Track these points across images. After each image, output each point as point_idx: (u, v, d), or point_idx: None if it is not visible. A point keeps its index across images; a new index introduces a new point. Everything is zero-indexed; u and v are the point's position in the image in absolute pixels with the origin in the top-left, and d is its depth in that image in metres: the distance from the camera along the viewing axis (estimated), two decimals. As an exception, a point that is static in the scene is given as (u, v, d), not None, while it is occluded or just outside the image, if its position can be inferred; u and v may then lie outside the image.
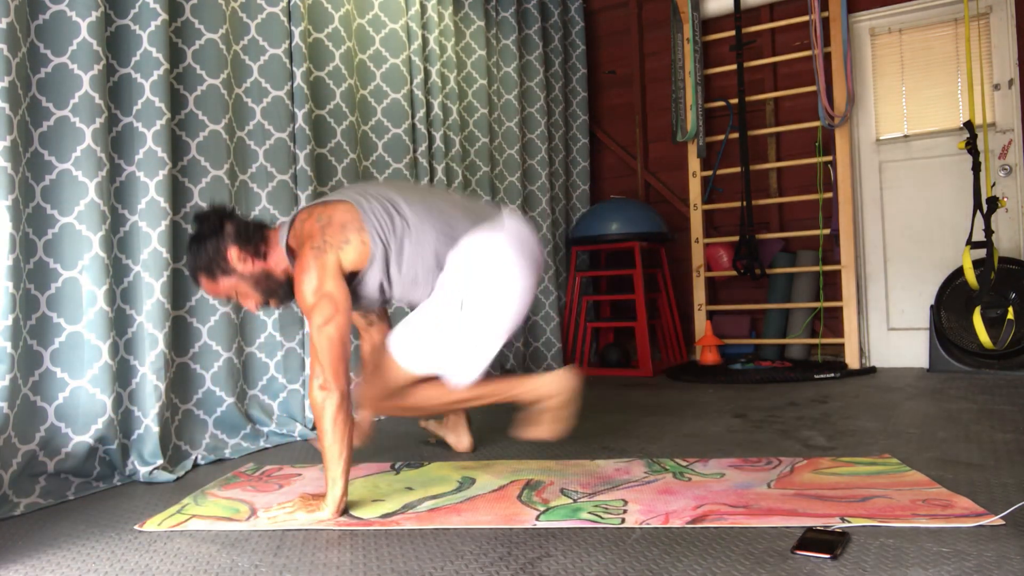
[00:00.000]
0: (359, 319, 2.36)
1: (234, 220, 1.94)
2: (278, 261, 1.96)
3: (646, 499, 1.78)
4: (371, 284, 1.98)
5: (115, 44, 2.31)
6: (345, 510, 1.76)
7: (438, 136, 3.54)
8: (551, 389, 2.09)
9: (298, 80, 2.85)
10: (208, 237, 1.90)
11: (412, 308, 2.08)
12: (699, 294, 4.39)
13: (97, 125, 2.15)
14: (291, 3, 2.84)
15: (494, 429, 2.77)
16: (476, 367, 2.02)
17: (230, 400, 2.57)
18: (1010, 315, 3.39)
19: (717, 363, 4.16)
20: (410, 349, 2.00)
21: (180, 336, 2.48)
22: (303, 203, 2.85)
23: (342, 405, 1.75)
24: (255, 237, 1.93)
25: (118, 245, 2.30)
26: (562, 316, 4.43)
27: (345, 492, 1.75)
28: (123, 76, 2.33)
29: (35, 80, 2.08)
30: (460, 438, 2.43)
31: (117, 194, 2.31)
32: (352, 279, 1.94)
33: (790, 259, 4.25)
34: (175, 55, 2.48)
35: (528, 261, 2.03)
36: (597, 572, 1.36)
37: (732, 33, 4.30)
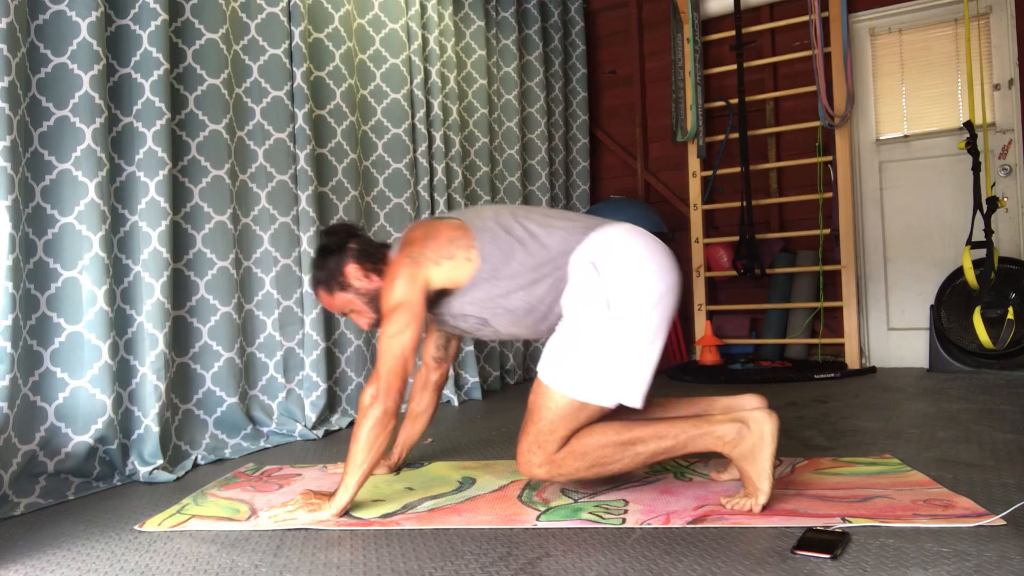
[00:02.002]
0: (431, 349, 2.17)
1: (359, 238, 1.95)
2: None
3: (647, 499, 1.78)
4: (466, 303, 1.84)
5: (115, 44, 2.31)
6: (345, 512, 1.76)
7: (438, 136, 3.54)
8: (750, 433, 1.67)
9: (298, 80, 2.85)
10: (332, 252, 1.91)
11: (516, 340, 1.97)
12: (699, 294, 4.39)
13: (97, 125, 2.15)
14: (291, 3, 2.84)
15: (494, 429, 2.77)
16: (642, 375, 1.72)
17: (230, 400, 2.57)
18: (1010, 315, 3.39)
19: (717, 363, 4.15)
20: (563, 368, 1.72)
21: (180, 336, 2.48)
22: (303, 203, 2.85)
23: (384, 421, 1.71)
24: (375, 255, 1.92)
25: (118, 245, 2.30)
26: (562, 316, 4.42)
27: (352, 500, 1.74)
28: (123, 76, 2.33)
29: (35, 80, 2.08)
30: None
31: (117, 194, 2.31)
32: (444, 295, 1.86)
33: (790, 259, 4.25)
34: (175, 55, 2.48)
35: (663, 253, 1.80)
36: (597, 572, 1.36)
37: (732, 33, 4.30)
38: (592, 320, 1.71)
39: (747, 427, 1.67)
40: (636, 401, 1.73)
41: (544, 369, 1.75)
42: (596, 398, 1.71)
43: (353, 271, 1.90)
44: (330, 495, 1.75)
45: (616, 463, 1.72)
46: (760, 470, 1.64)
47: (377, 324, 1.89)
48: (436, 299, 1.86)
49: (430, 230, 1.86)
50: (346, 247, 1.91)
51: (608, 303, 1.71)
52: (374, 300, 1.90)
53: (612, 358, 1.70)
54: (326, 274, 1.92)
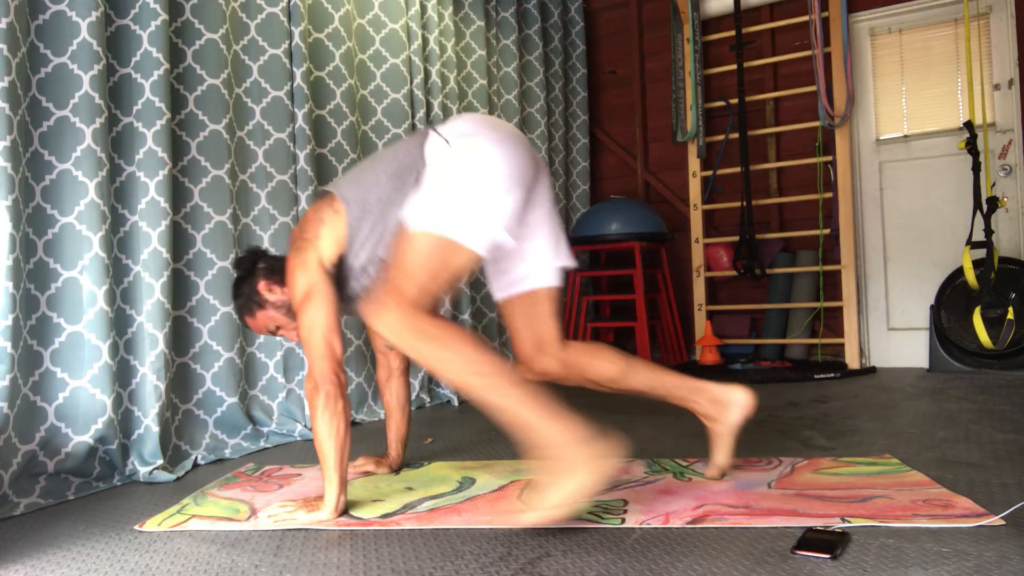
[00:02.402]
0: (378, 340, 2.19)
1: (267, 258, 1.98)
2: None
3: (646, 499, 1.78)
4: (359, 253, 1.81)
5: (115, 44, 2.31)
6: (345, 510, 1.76)
7: (438, 136, 3.53)
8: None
9: (298, 80, 2.85)
10: (244, 279, 1.95)
11: None
12: (699, 294, 4.39)
13: (97, 125, 2.15)
14: (291, 3, 2.85)
15: (494, 429, 2.77)
16: (497, 218, 1.68)
17: (230, 400, 2.57)
18: (1010, 315, 3.39)
19: (717, 363, 4.15)
20: (421, 213, 1.70)
21: (180, 336, 2.48)
22: (303, 203, 2.85)
23: (330, 403, 1.71)
24: (281, 266, 1.92)
25: (118, 245, 2.30)
26: (562, 316, 4.43)
27: (342, 491, 1.73)
28: (123, 76, 2.33)
29: (35, 80, 2.08)
30: (714, 456, 1.95)
31: (117, 194, 2.31)
32: (342, 264, 1.84)
33: (790, 259, 4.26)
34: (175, 55, 2.48)
35: (507, 127, 1.80)
36: (597, 572, 1.36)
37: (732, 33, 4.30)
38: (444, 174, 1.70)
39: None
40: (497, 236, 1.68)
41: (405, 220, 1.72)
42: (453, 233, 1.65)
43: (264, 287, 1.92)
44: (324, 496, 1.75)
45: (449, 364, 1.60)
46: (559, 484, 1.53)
47: None
48: (339, 274, 1.83)
49: (301, 220, 1.87)
50: (255, 269, 1.95)
51: (458, 162, 1.70)
52: (290, 310, 1.91)
53: (466, 201, 1.67)
54: (243, 299, 1.95)
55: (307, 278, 1.76)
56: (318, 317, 1.75)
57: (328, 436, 1.72)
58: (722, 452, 1.93)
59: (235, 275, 2.00)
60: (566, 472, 1.51)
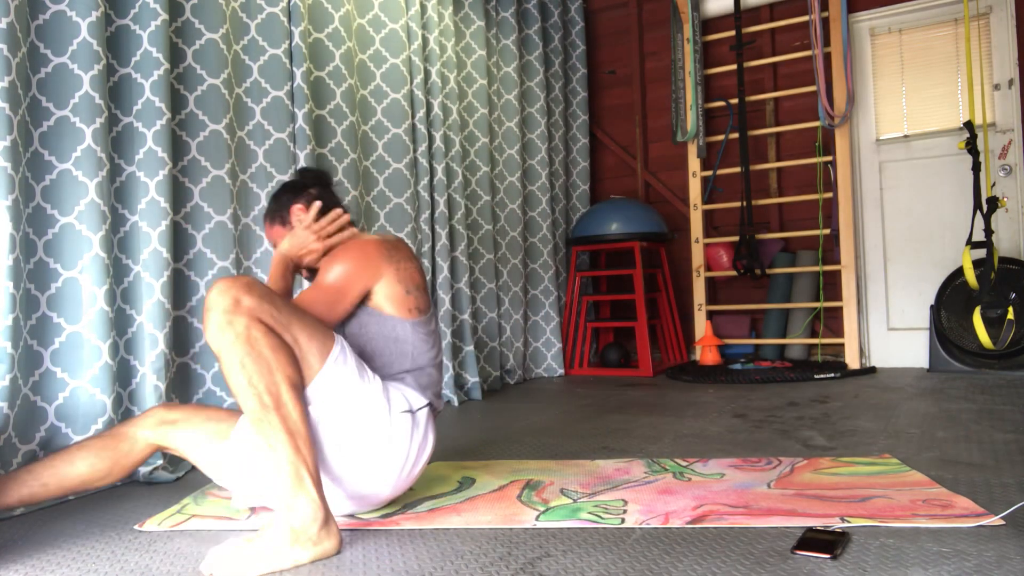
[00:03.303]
0: None
1: (324, 188, 1.96)
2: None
3: (646, 499, 1.78)
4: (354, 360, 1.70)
5: (115, 44, 2.31)
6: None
7: (438, 136, 3.54)
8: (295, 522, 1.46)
9: (298, 80, 2.85)
10: (290, 189, 1.95)
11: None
12: (699, 294, 4.39)
13: (97, 125, 2.15)
14: (291, 3, 2.84)
15: (494, 429, 2.77)
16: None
17: (231, 400, 2.57)
18: (1010, 315, 3.39)
19: (717, 363, 4.16)
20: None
21: (180, 336, 2.48)
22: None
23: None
24: (326, 211, 1.92)
25: (118, 245, 2.30)
26: (562, 316, 4.43)
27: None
28: (123, 76, 2.33)
29: (35, 80, 2.08)
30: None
31: (117, 194, 2.31)
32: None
33: (790, 259, 4.26)
34: (175, 55, 2.48)
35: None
36: (597, 572, 1.36)
37: (732, 33, 4.30)
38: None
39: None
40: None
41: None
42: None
43: (298, 211, 1.91)
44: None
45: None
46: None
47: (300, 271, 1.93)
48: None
49: (406, 248, 1.82)
50: (305, 190, 1.94)
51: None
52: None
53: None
54: (276, 206, 1.95)
55: (352, 278, 1.71)
56: (336, 310, 1.71)
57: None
58: None
59: (289, 179, 1.99)
60: (281, 535, 1.43)
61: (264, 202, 2.78)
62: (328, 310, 1.69)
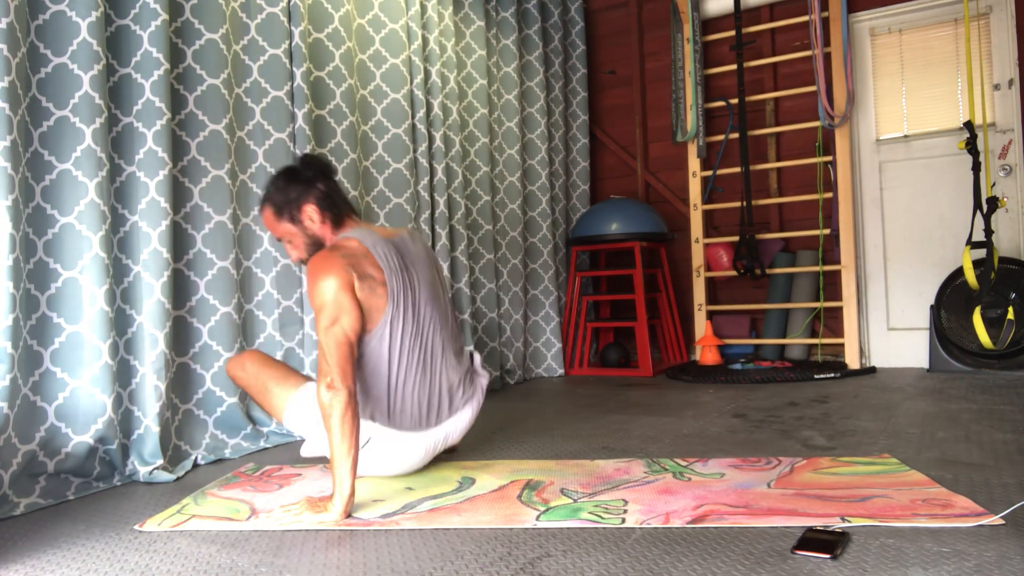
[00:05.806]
0: None
1: (329, 182, 2.01)
2: (330, 240, 2.02)
3: (646, 499, 1.78)
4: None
5: (115, 44, 2.31)
6: (350, 510, 1.76)
7: (438, 136, 3.54)
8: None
9: (298, 80, 2.85)
10: (298, 182, 1.98)
11: None
12: (699, 294, 4.39)
13: (97, 125, 2.15)
14: (291, 3, 2.84)
15: (494, 429, 2.77)
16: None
17: (230, 400, 2.57)
18: (1010, 315, 3.39)
19: (717, 363, 4.16)
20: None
21: (180, 336, 2.48)
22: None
23: (349, 403, 1.76)
24: (335, 209, 2.00)
25: (118, 245, 2.31)
26: (562, 316, 4.43)
27: (353, 492, 1.75)
28: (123, 76, 2.33)
29: (35, 80, 2.08)
30: None
31: (117, 194, 2.31)
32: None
33: (790, 259, 4.25)
34: (175, 55, 2.48)
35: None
36: (597, 572, 1.36)
37: (732, 33, 4.30)
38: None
39: None
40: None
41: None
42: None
43: (311, 211, 1.97)
44: (331, 498, 1.75)
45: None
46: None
47: (304, 263, 2.00)
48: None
49: (430, 249, 2.07)
50: (314, 185, 1.98)
51: None
52: (316, 244, 2.00)
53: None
54: (283, 199, 1.98)
55: (340, 288, 1.85)
56: (343, 323, 1.82)
57: (348, 435, 1.74)
58: None
59: (293, 168, 2.02)
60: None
61: (264, 202, 2.78)
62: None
